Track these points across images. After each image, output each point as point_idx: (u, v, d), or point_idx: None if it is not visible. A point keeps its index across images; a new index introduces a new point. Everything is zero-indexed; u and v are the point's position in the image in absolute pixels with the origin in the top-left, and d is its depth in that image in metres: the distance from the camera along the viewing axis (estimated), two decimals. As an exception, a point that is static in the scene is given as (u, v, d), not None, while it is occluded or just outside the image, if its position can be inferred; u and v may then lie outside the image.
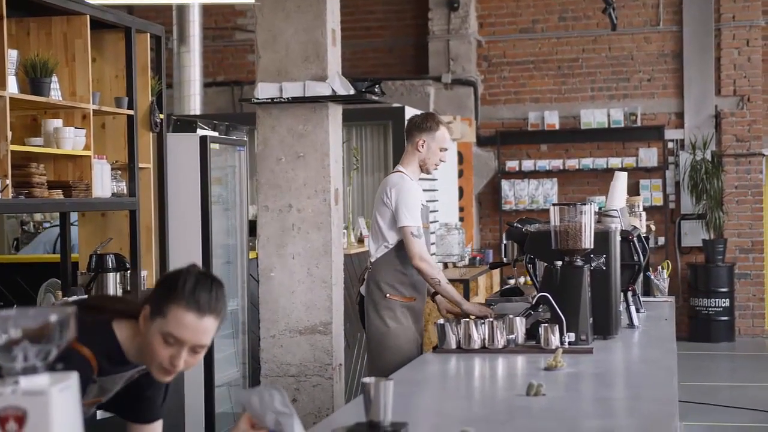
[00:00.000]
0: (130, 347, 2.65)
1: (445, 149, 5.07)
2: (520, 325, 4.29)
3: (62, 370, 1.82)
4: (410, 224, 4.88)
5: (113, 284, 5.35)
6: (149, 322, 2.58)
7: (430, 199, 9.31)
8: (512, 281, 10.02)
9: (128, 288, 5.50)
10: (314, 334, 5.42)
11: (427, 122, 5.04)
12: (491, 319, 4.30)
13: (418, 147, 5.04)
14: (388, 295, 4.98)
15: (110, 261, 5.38)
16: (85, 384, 2.58)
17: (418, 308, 5.08)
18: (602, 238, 4.50)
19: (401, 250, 4.93)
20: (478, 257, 10.58)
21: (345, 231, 7.38)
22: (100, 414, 3.12)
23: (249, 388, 2.38)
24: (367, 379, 2.70)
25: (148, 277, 5.71)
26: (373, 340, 5.04)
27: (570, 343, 4.22)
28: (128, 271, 5.50)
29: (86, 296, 4.97)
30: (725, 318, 11.85)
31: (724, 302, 11.83)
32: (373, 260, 5.04)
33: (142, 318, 2.60)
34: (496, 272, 10.74)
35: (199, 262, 6.06)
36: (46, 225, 8.16)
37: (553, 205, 4.43)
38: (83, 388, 2.58)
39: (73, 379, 1.77)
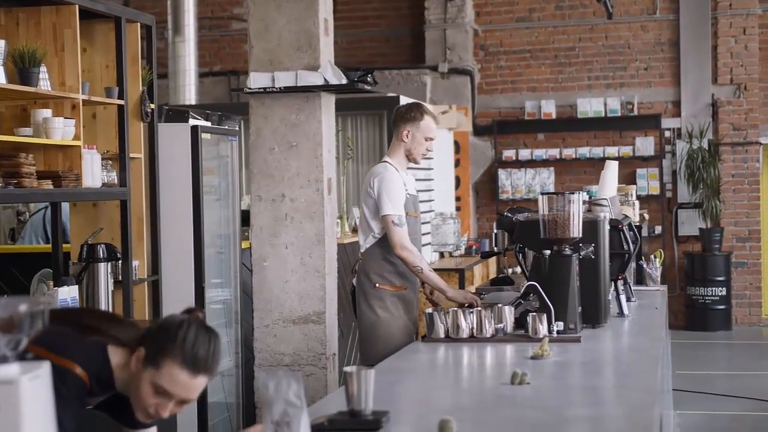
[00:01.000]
0: (119, 376, 2.64)
1: (431, 139, 5.05)
2: (509, 314, 4.29)
3: (57, 388, 1.82)
4: (391, 213, 4.86)
5: (104, 274, 5.35)
6: (142, 366, 2.56)
7: (426, 188, 9.31)
8: (509, 270, 10.02)
9: (119, 278, 5.50)
10: (308, 323, 5.43)
11: (411, 112, 5.03)
12: (479, 309, 4.31)
13: (403, 137, 5.03)
14: (377, 284, 4.98)
15: (101, 251, 5.36)
16: (81, 402, 2.59)
17: (410, 297, 5.07)
18: (591, 227, 4.50)
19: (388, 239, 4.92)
20: (474, 247, 10.57)
21: (338, 220, 7.38)
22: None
23: (273, 371, 2.37)
24: (348, 369, 2.71)
25: (140, 267, 5.71)
26: (364, 330, 5.04)
27: (558, 332, 4.23)
28: (119, 261, 5.49)
29: (78, 307, 4.90)
30: (722, 307, 11.85)
31: (721, 291, 11.83)
32: (362, 251, 5.04)
33: (135, 358, 2.58)
34: (493, 262, 10.74)
35: (191, 252, 6.08)
36: (40, 215, 8.13)
37: (542, 194, 4.44)
38: (80, 405, 2.59)
39: (44, 368, 1.77)
